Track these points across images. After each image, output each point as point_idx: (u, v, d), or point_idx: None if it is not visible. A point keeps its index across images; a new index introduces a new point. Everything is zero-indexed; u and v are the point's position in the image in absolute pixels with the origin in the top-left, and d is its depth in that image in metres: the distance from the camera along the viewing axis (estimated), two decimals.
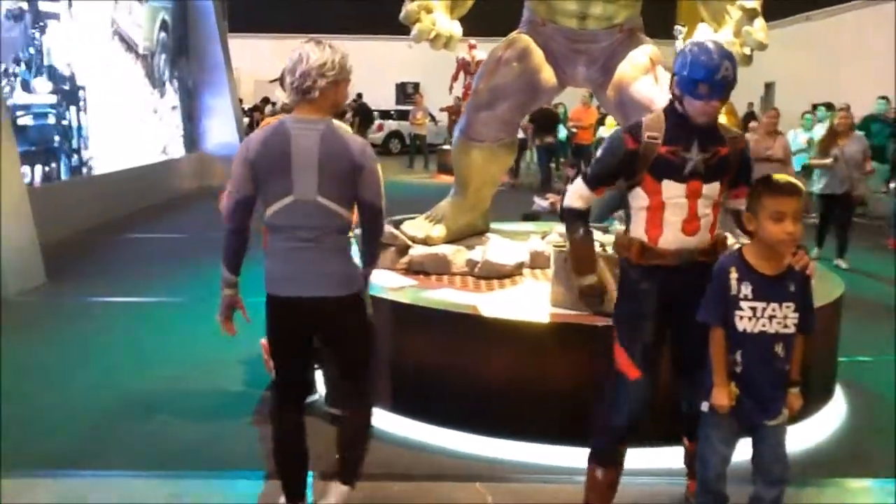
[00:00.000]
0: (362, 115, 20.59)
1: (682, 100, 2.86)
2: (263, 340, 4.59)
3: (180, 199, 12.87)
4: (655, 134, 2.88)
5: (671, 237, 2.94)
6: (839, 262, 8.18)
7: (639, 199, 2.97)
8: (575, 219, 3.13)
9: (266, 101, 24.15)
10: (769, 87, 25.15)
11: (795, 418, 3.10)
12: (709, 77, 2.77)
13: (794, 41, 22.74)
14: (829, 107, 15.77)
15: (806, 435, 4.00)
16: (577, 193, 3.09)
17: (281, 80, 3.70)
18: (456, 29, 4.44)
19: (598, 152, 3.11)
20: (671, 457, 3.44)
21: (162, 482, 3.56)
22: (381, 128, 24.38)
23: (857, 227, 9.38)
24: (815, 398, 4.28)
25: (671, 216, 2.93)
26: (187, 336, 5.63)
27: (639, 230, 3.00)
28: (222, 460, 3.79)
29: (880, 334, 5.90)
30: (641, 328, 3.01)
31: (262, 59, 27.25)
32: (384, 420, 4.04)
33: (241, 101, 21.73)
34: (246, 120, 21.31)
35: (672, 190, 2.90)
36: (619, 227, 4.44)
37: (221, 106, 15.15)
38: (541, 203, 11.84)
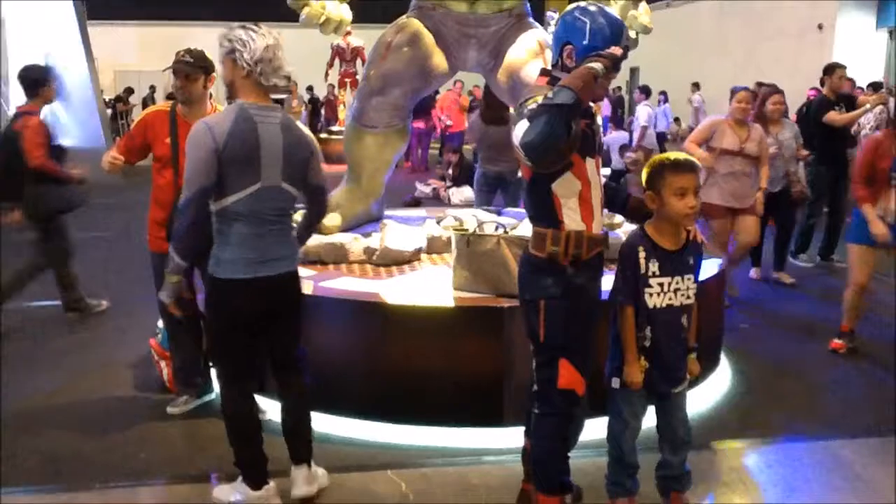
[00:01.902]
0: (314, 106, 20.12)
1: None
2: (153, 341, 4.41)
3: None
4: None
5: (597, 220, 2.80)
6: (780, 275, 6.94)
7: (570, 185, 2.70)
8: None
9: (129, 91, 23.07)
10: (634, 71, 26.13)
11: (692, 383, 3.23)
12: (616, 43, 2.63)
13: (656, 27, 23.71)
14: (696, 86, 16.55)
15: (697, 401, 4.18)
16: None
17: (201, 66, 3.70)
18: (346, 13, 4.36)
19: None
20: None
21: (55, 497, 3.35)
22: None
23: None
24: (704, 366, 4.49)
25: (595, 197, 2.78)
26: (69, 342, 5.33)
27: (574, 221, 2.72)
28: (119, 470, 3.59)
29: (761, 303, 6.27)
30: (584, 329, 2.79)
31: (122, 49, 26.04)
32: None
33: (101, 91, 20.71)
34: (108, 111, 20.30)
35: (591, 168, 2.76)
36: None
37: (82, 97, 14.31)
38: (423, 189, 11.90)
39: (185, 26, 28.25)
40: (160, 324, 4.34)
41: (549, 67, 2.80)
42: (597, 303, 2.85)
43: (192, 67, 3.85)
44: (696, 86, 18.14)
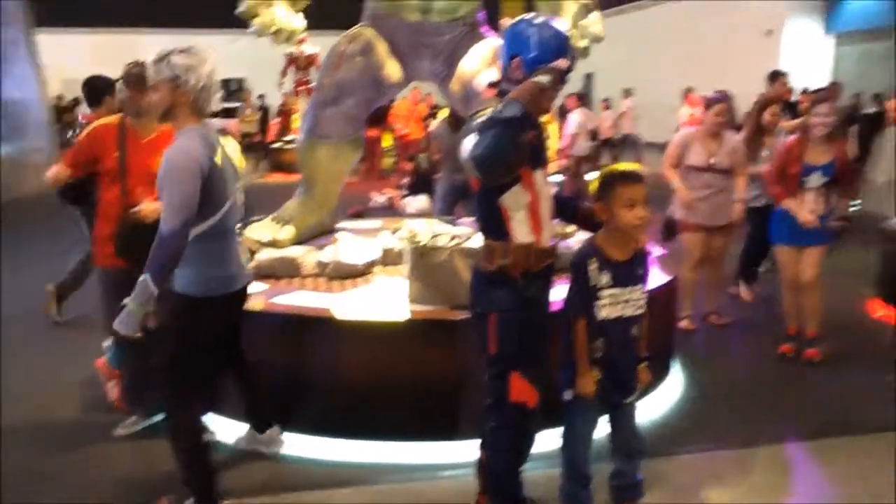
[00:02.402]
0: (264, 115, 19.89)
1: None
2: (100, 361, 4.31)
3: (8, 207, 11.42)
4: None
5: (548, 231, 2.80)
6: (742, 290, 6.61)
7: (519, 197, 2.70)
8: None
9: (77, 101, 22.61)
10: (589, 77, 26.39)
11: (643, 392, 3.25)
12: (559, 58, 2.64)
13: (608, 34, 24.00)
14: (627, 92, 16.72)
15: (649, 409, 4.20)
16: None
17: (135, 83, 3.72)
18: (297, 23, 4.32)
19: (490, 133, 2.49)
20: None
21: None
22: None
23: None
24: (657, 373, 4.51)
25: (544, 208, 2.79)
26: (13, 361, 5.16)
27: (524, 233, 2.73)
28: (67, 492, 3.50)
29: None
30: (536, 342, 2.79)
31: (71, 56, 25.53)
32: (242, 432, 3.88)
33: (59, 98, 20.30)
34: (58, 125, 19.91)
35: (540, 179, 2.77)
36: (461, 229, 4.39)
37: (28, 107, 13.97)
38: (378, 198, 11.83)
39: (135, 33, 27.84)
40: (107, 343, 4.24)
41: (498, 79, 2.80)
42: (547, 314, 2.85)
43: (140, 79, 3.75)
44: (627, 92, 18.39)
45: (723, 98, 5.62)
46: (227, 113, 22.90)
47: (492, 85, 2.78)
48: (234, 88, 27.55)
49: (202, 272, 3.08)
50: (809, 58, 17.87)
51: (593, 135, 12.69)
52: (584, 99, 13.06)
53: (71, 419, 4.30)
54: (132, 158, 3.82)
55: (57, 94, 23.43)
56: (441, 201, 6.21)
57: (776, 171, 5.05)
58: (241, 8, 4.08)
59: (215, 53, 3.02)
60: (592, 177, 2.98)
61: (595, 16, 4.21)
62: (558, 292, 2.99)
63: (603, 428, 3.08)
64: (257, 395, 3.74)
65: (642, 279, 2.95)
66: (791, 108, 7.98)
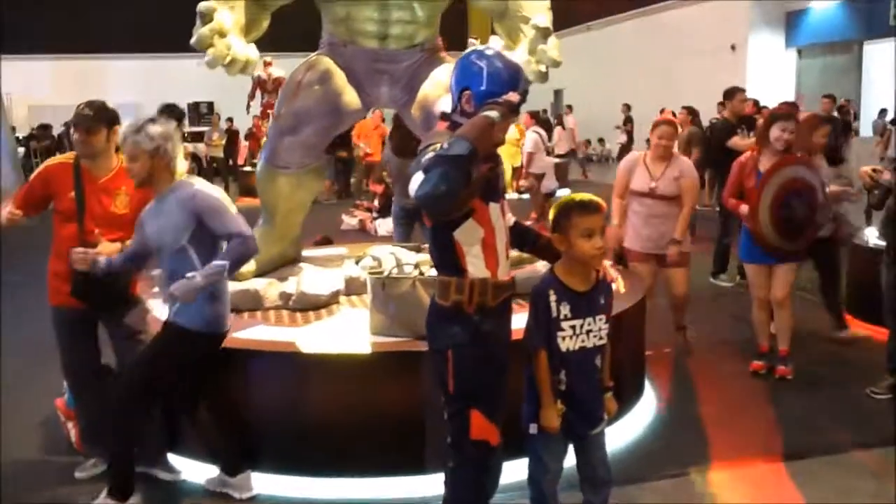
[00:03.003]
0: (231, 138, 19.75)
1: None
2: (59, 401, 4.20)
3: None
4: None
5: (503, 265, 2.75)
6: (843, 334, 5.88)
7: (472, 232, 2.65)
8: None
9: (44, 127, 22.36)
10: (558, 93, 26.59)
11: (612, 420, 3.20)
12: (510, 90, 2.59)
13: (578, 50, 24.20)
14: (569, 108, 16.76)
15: (622, 434, 4.15)
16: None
17: (102, 118, 3.74)
18: (252, 53, 4.25)
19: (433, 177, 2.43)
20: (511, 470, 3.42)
21: None
22: None
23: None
24: (628, 396, 4.49)
25: (500, 242, 2.74)
26: None
27: (479, 268, 2.68)
28: None
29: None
30: (495, 378, 2.73)
31: (36, 83, 25.30)
32: (204, 472, 3.79)
33: (14, 128, 20.02)
34: (21, 150, 19.65)
35: (495, 212, 2.73)
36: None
37: None
38: (349, 221, 11.78)
39: (99, 59, 27.63)
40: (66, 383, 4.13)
41: (449, 111, 2.76)
42: (506, 348, 2.80)
43: (92, 121, 3.69)
44: (569, 108, 18.60)
45: (666, 121, 5.42)
46: (195, 137, 22.81)
47: (444, 117, 2.74)
48: (203, 112, 27.44)
49: (201, 307, 3.35)
50: (773, 71, 18.12)
51: (549, 151, 12.86)
52: (535, 117, 13.23)
53: (31, 460, 4.18)
54: (89, 198, 3.74)
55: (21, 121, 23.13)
56: (398, 227, 6.15)
57: (732, 188, 5.10)
58: (193, 39, 4.01)
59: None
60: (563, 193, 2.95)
61: (552, 41, 4.19)
62: (519, 322, 2.95)
63: (571, 458, 3.03)
64: (225, 436, 3.69)
65: (605, 309, 2.91)
66: (749, 124, 8.02)
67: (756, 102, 10.76)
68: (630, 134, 21.50)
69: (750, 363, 5.19)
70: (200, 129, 22.87)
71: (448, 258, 2.69)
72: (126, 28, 25.57)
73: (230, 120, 20.49)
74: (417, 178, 2.42)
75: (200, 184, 3.45)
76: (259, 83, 15.77)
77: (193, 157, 23.10)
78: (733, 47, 18.66)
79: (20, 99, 24.20)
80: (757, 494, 3.66)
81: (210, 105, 27.79)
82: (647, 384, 4.89)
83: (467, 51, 2.74)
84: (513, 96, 2.53)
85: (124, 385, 3.43)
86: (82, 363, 3.79)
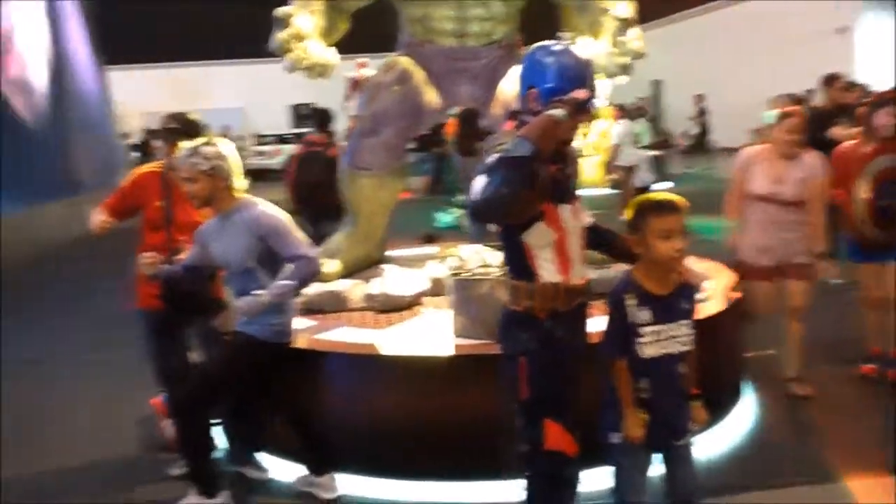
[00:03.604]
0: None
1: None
2: (157, 400, 4.33)
3: (63, 247, 11.55)
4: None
5: (577, 269, 2.66)
6: None
7: (543, 235, 2.56)
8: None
9: (153, 133, 23.30)
10: (657, 84, 25.91)
11: (701, 429, 3.04)
12: (578, 88, 2.50)
13: (676, 39, 23.54)
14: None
15: (718, 441, 3.98)
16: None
17: (185, 130, 3.92)
18: (331, 56, 4.28)
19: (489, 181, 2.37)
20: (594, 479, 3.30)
21: None
22: (278, 152, 23.92)
23: None
24: (724, 401, 4.29)
25: (573, 244, 2.64)
26: (73, 399, 5.27)
27: (550, 272, 2.59)
28: None
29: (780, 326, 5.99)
30: (568, 386, 2.64)
31: (147, 91, 26.45)
32: (292, 472, 3.83)
33: (126, 136, 20.99)
34: (136, 154, 20.58)
35: (566, 214, 2.63)
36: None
37: (103, 145, 14.43)
38: (444, 218, 11.74)
39: (205, 65, 28.70)
40: None
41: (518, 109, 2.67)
42: (581, 354, 2.70)
43: (176, 134, 3.80)
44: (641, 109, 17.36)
45: (795, 112, 4.67)
46: (298, 138, 23.39)
47: (511, 116, 2.65)
48: (303, 113, 28.08)
49: (269, 319, 3.43)
50: (884, 55, 17.07)
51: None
52: (623, 109, 12.90)
53: (128, 457, 4.33)
54: (177, 208, 3.84)
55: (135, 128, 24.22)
56: (472, 225, 6.09)
57: (835, 179, 4.64)
58: (273, 44, 4.06)
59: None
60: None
61: (635, 31, 4.04)
62: (597, 326, 2.83)
63: (657, 468, 2.90)
64: (309, 437, 3.73)
65: (688, 313, 2.76)
66: (849, 113, 7.49)
67: (864, 89, 10.09)
68: (704, 126, 20.77)
69: (860, 366, 4.86)
70: (301, 131, 23.42)
71: (518, 262, 2.61)
72: (229, 35, 26.44)
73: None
74: (479, 182, 2.34)
75: (264, 205, 3.50)
76: (354, 83, 15.99)
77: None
78: (841, 30, 17.68)
79: (133, 107, 25.35)
80: None
81: (309, 106, 28.42)
82: (746, 389, 4.66)
83: (534, 47, 2.64)
84: (580, 93, 2.43)
85: (189, 389, 3.51)
86: (170, 364, 3.89)
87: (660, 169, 13.26)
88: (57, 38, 13.97)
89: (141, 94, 25.61)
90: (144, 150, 21.64)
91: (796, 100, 10.74)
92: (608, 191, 13.03)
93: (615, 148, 11.41)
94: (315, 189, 6.50)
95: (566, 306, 2.61)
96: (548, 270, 2.59)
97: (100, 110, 14.52)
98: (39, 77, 13.12)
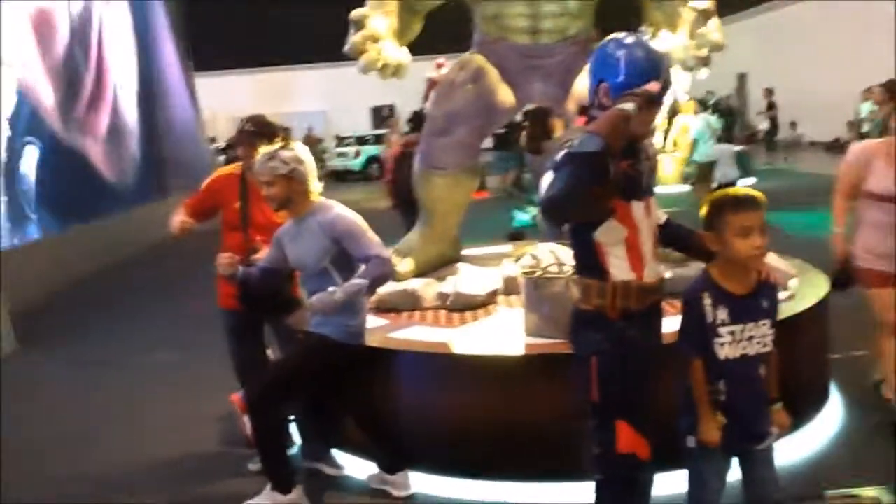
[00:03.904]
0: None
1: None
2: (236, 396, 4.43)
3: (151, 249, 11.89)
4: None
5: (651, 267, 2.59)
6: None
7: (614, 232, 2.51)
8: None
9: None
10: (742, 77, 25.19)
11: (783, 434, 2.92)
12: (654, 78, 2.44)
13: (762, 31, 22.79)
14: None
15: (802, 445, 3.84)
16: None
17: (263, 133, 3.93)
18: (404, 57, 4.30)
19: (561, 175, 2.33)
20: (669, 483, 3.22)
21: None
22: (358, 153, 24.28)
23: None
24: (810, 404, 4.13)
25: (646, 242, 2.58)
26: (153, 395, 5.47)
27: (622, 270, 2.53)
28: None
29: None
30: (641, 387, 2.57)
31: (234, 96, 27.18)
32: (361, 470, 3.88)
33: (213, 140, 21.61)
34: (223, 157, 21.17)
35: (639, 211, 2.57)
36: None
37: (190, 150, 14.88)
38: (521, 217, 11.68)
39: (288, 70, 29.31)
40: None
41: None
42: (655, 355, 2.63)
43: (254, 136, 3.87)
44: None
45: None
46: (378, 140, 23.65)
47: (582, 111, 2.60)
48: (385, 115, 28.39)
49: (343, 320, 3.47)
50: None
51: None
52: (704, 104, 12.60)
53: (209, 453, 4.46)
54: (254, 209, 3.92)
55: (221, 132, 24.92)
56: (546, 223, 6.01)
57: None
58: (347, 46, 4.10)
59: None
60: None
61: (714, 23, 3.92)
62: (674, 326, 2.75)
63: (736, 473, 2.80)
64: (381, 435, 3.77)
65: (768, 313, 2.65)
66: None
67: None
68: (774, 120, 19.96)
69: None
70: (380, 132, 23.69)
71: (589, 260, 2.56)
72: (313, 39, 26.95)
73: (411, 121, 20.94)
74: (547, 179, 2.30)
75: (339, 207, 3.56)
76: (432, 84, 16.05)
77: (375, 159, 24.04)
78: None
79: (220, 112, 26.11)
80: None
81: (391, 108, 28.73)
82: (833, 391, 4.47)
83: (605, 40, 2.58)
84: (651, 86, 2.36)
85: (263, 386, 3.56)
86: (250, 362, 3.97)
87: (744, 164, 12.88)
88: (145, 43, 14.49)
89: (228, 98, 26.32)
90: (229, 154, 22.36)
91: (890, 89, 10.23)
92: (686, 188, 12.75)
93: (693, 143, 11.21)
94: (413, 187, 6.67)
95: (639, 305, 2.54)
96: (619, 268, 2.52)
97: (187, 115, 14.97)
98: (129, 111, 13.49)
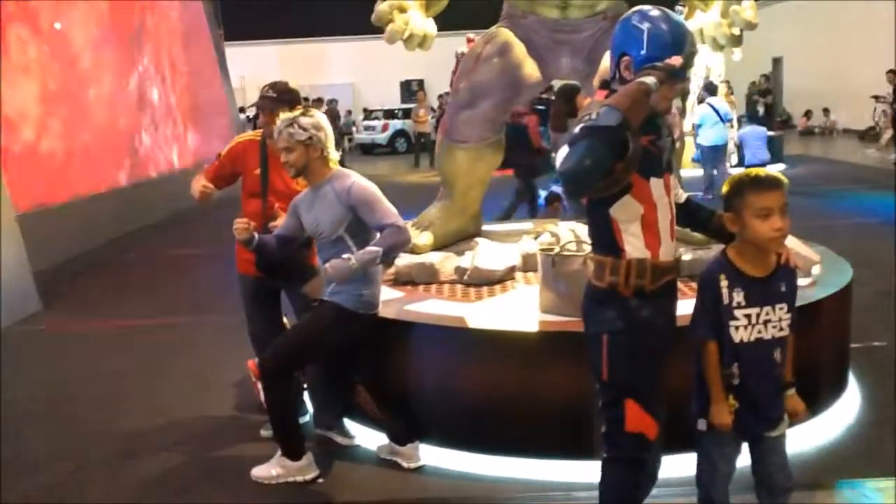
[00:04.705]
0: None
1: None
2: (251, 362, 4.47)
3: (178, 215, 12.04)
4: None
5: (667, 246, 2.54)
6: None
7: (631, 209, 2.46)
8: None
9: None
10: (777, 61, 24.77)
11: (797, 421, 2.88)
12: (678, 51, 2.39)
13: (798, 14, 22.35)
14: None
15: (818, 433, 3.80)
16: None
17: (285, 99, 3.93)
18: (430, 28, 4.25)
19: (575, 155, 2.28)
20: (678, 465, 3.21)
21: None
22: (385, 127, 24.22)
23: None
24: (827, 392, 4.08)
25: (663, 220, 2.53)
26: (169, 361, 5.51)
27: (637, 248, 2.48)
28: (213, 490, 3.64)
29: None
30: (652, 367, 2.54)
31: (266, 66, 27.19)
32: (372, 440, 3.89)
33: (243, 109, 21.65)
34: (250, 127, 21.24)
35: (658, 188, 2.51)
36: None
37: (219, 118, 14.93)
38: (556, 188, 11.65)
39: (319, 42, 29.27)
40: None
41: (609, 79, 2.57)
42: (668, 335, 2.59)
43: (275, 103, 3.85)
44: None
45: None
46: (406, 114, 23.59)
47: (603, 86, 2.56)
48: (414, 90, 28.30)
49: (357, 289, 3.47)
50: None
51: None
52: (711, 90, 12.46)
53: (223, 417, 4.50)
54: (274, 176, 3.92)
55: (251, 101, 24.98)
56: (568, 200, 5.97)
57: None
58: (374, 15, 4.07)
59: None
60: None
61: (748, 1, 3.83)
62: (689, 307, 2.72)
63: (746, 457, 2.77)
64: (393, 407, 3.78)
65: (787, 297, 2.61)
66: None
67: None
68: (768, 107, 19.53)
69: None
70: (410, 106, 23.62)
71: (604, 236, 2.52)
72: (342, 10, 26.87)
73: (441, 96, 20.83)
74: (563, 152, 2.26)
75: (356, 176, 3.55)
76: (461, 60, 15.94)
77: (401, 133, 24.00)
78: None
79: (252, 81, 26.13)
80: None
81: (420, 82, 28.60)
82: (851, 380, 4.41)
83: (629, 12, 2.53)
84: (675, 60, 2.31)
85: (274, 354, 3.57)
86: (265, 328, 3.99)
87: (774, 149, 12.72)
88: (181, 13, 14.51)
89: (258, 69, 26.32)
90: (257, 123, 22.42)
91: None
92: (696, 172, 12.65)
93: (694, 128, 11.30)
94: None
95: (653, 284, 2.50)
96: (634, 246, 2.48)
97: (217, 85, 15.00)
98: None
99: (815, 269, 4.22)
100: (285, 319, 4.21)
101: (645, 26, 2.44)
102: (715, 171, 11.13)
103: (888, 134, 15.33)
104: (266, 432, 4.14)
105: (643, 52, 2.41)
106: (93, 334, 6.38)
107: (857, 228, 8.98)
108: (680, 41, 2.42)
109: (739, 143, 12.02)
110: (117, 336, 6.30)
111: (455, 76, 17.05)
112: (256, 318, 4.05)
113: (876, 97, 18.08)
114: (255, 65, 25.94)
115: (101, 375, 5.31)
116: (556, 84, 6.15)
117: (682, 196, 2.74)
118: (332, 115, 18.83)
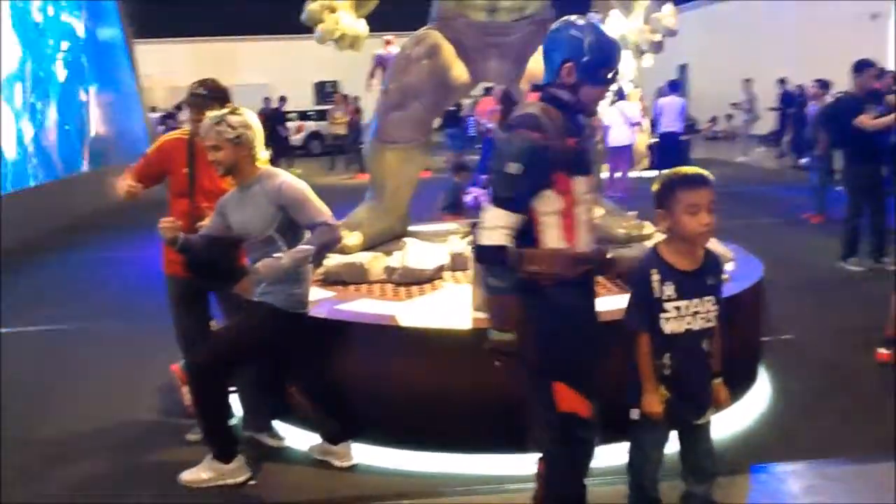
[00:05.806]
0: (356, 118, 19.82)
1: (577, 87, 2.64)
2: (175, 366, 4.38)
3: (85, 217, 11.68)
4: (559, 126, 2.62)
5: (584, 240, 2.70)
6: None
7: (550, 202, 2.61)
8: (498, 260, 2.59)
9: (179, 107, 23.39)
10: (683, 68, 25.64)
11: (719, 410, 3.04)
12: (613, 61, 2.65)
13: (704, 22, 23.23)
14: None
15: (732, 422, 3.97)
16: (495, 224, 2.59)
17: (215, 97, 3.84)
18: (361, 28, 4.27)
19: (501, 160, 2.60)
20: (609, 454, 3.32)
21: None
22: (300, 129, 23.95)
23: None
24: (740, 383, 4.27)
25: (582, 213, 2.68)
26: (91, 365, 5.35)
27: (552, 238, 2.63)
28: (137, 496, 3.58)
29: (803, 309, 5.97)
30: (576, 350, 2.66)
31: (175, 66, 26.50)
32: (305, 441, 3.88)
33: (153, 109, 21.07)
34: (161, 128, 20.68)
35: (581, 186, 2.66)
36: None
37: (129, 118, 14.49)
38: (464, 199, 11.78)
39: (231, 41, 28.73)
40: None
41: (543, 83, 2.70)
42: (592, 321, 2.74)
43: (205, 100, 3.79)
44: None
45: None
46: (321, 115, 23.35)
47: (535, 88, 2.68)
48: (329, 91, 28.07)
49: (288, 288, 3.46)
50: None
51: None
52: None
53: (147, 422, 4.40)
54: (202, 175, 3.85)
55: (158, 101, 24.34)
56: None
57: None
58: (304, 15, 4.06)
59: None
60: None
61: (668, 8, 4.00)
62: (620, 302, 2.84)
63: (674, 445, 2.90)
64: (325, 406, 3.78)
65: (713, 290, 2.75)
66: (876, 99, 7.39)
67: (894, 76, 9.94)
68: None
69: (876, 351, 4.82)
70: (325, 108, 23.40)
71: (525, 227, 2.64)
72: (254, 10, 26.47)
73: (356, 99, 20.71)
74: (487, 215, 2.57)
75: (285, 175, 3.52)
76: (379, 62, 15.91)
77: (316, 135, 23.74)
78: (874, 16, 17.37)
79: (160, 81, 25.41)
80: (871, 493, 3.39)
81: (334, 84, 28.39)
82: (762, 372, 4.64)
83: (559, 22, 2.71)
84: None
85: (206, 354, 3.52)
86: (194, 331, 3.93)
87: (683, 154, 13.26)
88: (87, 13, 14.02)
89: (168, 68, 25.65)
90: (169, 124, 21.81)
91: (824, 85, 10.67)
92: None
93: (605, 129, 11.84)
94: None
95: (571, 273, 2.63)
96: (551, 237, 2.63)
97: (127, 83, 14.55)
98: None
99: (728, 266, 4.43)
100: (212, 322, 4.15)
101: (585, 35, 2.63)
102: (619, 173, 11.92)
103: (788, 136, 16.10)
104: (193, 436, 4.07)
105: (586, 58, 2.60)
106: (8, 338, 6.12)
107: (767, 228, 9.41)
108: (615, 48, 2.65)
109: (654, 117, 13.14)
110: (39, 339, 6.06)
111: (372, 78, 16.95)
112: (184, 320, 3.97)
113: (734, 104, 19.19)
114: (164, 63, 25.24)
115: (22, 380, 5.10)
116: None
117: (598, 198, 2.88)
118: (275, 117, 18.53)
